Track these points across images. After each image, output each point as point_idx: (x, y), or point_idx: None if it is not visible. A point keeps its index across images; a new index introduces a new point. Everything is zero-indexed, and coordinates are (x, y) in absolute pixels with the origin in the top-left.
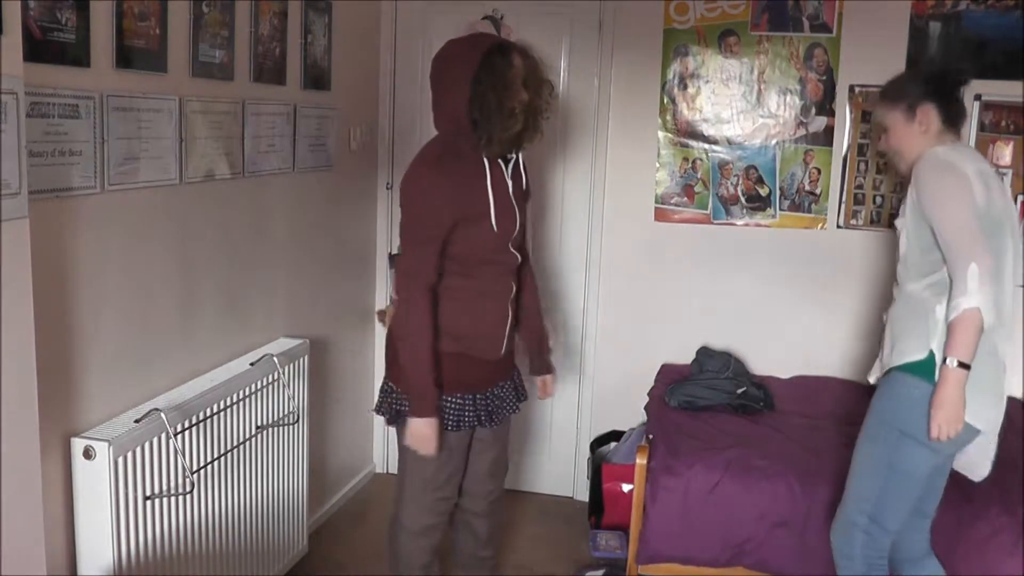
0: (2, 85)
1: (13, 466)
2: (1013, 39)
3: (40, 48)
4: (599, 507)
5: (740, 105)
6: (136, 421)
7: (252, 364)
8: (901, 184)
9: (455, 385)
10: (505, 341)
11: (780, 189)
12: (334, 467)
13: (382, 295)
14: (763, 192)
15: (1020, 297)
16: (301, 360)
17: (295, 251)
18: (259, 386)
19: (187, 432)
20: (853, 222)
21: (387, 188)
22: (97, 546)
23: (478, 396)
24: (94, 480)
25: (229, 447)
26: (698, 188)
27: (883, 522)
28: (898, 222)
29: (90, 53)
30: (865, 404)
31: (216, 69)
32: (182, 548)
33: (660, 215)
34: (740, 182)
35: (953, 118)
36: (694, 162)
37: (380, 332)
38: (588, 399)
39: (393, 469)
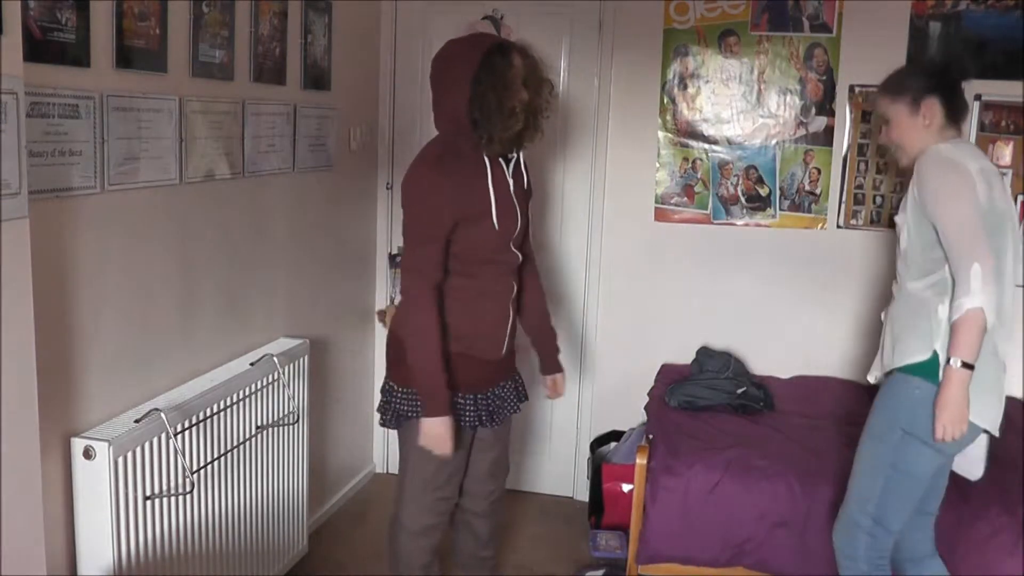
0: (2, 85)
1: (13, 466)
2: (1013, 39)
3: (40, 48)
4: (599, 507)
5: (740, 105)
6: (136, 421)
7: (252, 364)
8: (901, 184)
9: (456, 385)
10: (506, 341)
11: (780, 189)
12: (334, 467)
13: (382, 295)
14: (763, 192)
15: (1020, 297)
16: (301, 360)
17: (295, 251)
18: (259, 386)
19: (187, 432)
20: (853, 222)
21: (387, 188)
22: (97, 546)
23: (479, 396)
24: (94, 480)
25: (229, 447)
26: (698, 188)
27: (886, 522)
28: (898, 218)
29: (90, 53)
30: (865, 404)
31: (216, 69)
32: (182, 548)
33: (660, 215)
34: (740, 182)
35: (956, 113)
36: (694, 162)
37: (380, 332)
38: (588, 399)
39: (393, 469)
